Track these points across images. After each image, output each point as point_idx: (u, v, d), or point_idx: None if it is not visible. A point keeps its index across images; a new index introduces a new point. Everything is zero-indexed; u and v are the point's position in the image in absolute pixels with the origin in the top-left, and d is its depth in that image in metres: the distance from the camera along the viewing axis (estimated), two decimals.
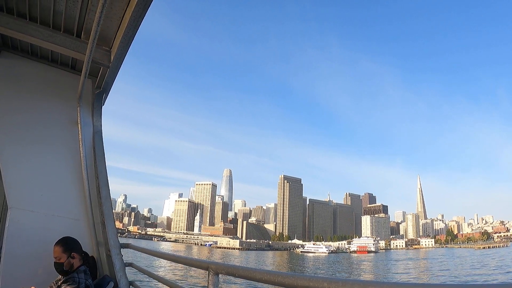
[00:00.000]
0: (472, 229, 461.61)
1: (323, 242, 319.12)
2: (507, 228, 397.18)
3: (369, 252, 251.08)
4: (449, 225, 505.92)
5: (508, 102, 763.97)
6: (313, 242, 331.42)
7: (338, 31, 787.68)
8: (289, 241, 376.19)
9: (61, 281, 4.96)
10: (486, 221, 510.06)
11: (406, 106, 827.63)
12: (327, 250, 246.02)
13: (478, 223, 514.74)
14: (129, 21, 4.90)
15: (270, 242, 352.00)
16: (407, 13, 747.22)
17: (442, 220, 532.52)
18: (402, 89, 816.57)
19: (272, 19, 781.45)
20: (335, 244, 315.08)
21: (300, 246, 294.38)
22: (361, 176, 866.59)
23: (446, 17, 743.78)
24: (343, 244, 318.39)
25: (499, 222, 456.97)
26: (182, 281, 44.90)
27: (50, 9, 5.42)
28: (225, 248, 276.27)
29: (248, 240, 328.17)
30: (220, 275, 3.35)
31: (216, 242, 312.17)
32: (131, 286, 6.31)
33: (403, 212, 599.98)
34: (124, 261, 6.41)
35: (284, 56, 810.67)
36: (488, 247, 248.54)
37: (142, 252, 6.48)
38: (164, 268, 57.96)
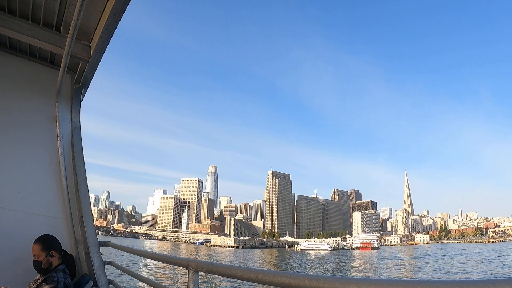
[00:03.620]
0: (458, 226, 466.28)
1: (324, 240, 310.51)
2: (496, 224, 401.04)
3: (372, 248, 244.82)
4: (435, 221, 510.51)
5: (491, 101, 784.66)
6: (314, 239, 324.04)
7: (323, 32, 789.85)
8: (280, 238, 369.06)
9: (39, 280, 4.87)
10: (470, 218, 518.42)
11: (390, 105, 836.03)
12: (329, 247, 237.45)
13: (462, 220, 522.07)
14: (110, 15, 4.81)
15: (264, 240, 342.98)
16: (391, 14, 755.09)
17: (429, 217, 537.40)
18: (386, 89, 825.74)
19: (259, 20, 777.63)
20: (328, 241, 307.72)
21: (297, 243, 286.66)
22: (346, 174, 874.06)
23: (430, 18, 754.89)
24: (336, 240, 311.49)
25: (483, 218, 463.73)
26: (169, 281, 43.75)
27: (29, 2, 5.32)
28: (219, 246, 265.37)
29: (242, 238, 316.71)
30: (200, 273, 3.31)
31: (209, 240, 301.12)
32: (110, 284, 6.18)
33: (389, 208, 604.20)
34: (103, 260, 6.31)
35: (270, 56, 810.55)
36: (498, 241, 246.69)
37: (121, 250, 6.33)
38: (146, 266, 55.61)
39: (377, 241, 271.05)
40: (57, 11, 5.41)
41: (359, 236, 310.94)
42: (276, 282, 2.26)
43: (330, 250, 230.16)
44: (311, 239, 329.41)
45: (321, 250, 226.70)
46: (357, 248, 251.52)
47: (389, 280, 1.74)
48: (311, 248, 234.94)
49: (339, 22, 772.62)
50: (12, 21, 5.47)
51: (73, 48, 5.00)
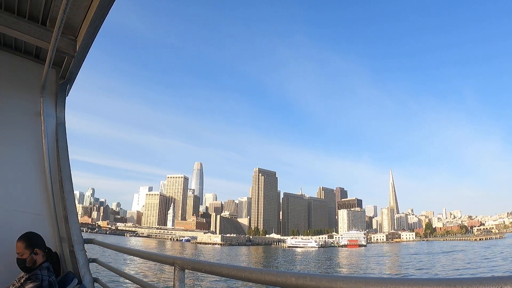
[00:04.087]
0: (443, 224, 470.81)
1: (312, 237, 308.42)
2: (481, 222, 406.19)
3: (360, 246, 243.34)
4: (420, 219, 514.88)
5: (474, 101, 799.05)
6: (300, 236, 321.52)
7: (308, 31, 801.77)
8: (267, 236, 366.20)
9: (24, 278, 4.77)
10: (454, 216, 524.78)
11: (374, 104, 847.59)
12: (316, 245, 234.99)
13: (446, 218, 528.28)
14: (96, 10, 4.75)
15: (251, 237, 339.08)
16: (377, 14, 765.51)
17: (414, 215, 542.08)
18: (371, 87, 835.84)
19: (244, 19, 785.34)
20: (315, 238, 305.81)
21: (283, 240, 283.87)
22: (331, 172, 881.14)
23: (415, 18, 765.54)
24: (323, 238, 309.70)
25: (467, 216, 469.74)
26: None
27: None
28: (205, 243, 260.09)
29: (228, 235, 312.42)
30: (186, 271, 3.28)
31: (195, 238, 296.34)
32: (95, 282, 6.11)
33: (374, 206, 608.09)
34: (88, 257, 6.24)
35: (256, 55, 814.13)
36: (486, 239, 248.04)
37: (106, 247, 6.24)
38: (131, 264, 55.37)
39: (364, 238, 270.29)
40: (44, 5, 5.23)
41: (346, 233, 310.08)
42: (262, 280, 2.22)
43: (318, 247, 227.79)
44: (297, 236, 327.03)
45: (309, 247, 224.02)
46: (345, 246, 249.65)
47: (377, 278, 1.70)
48: (299, 246, 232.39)
49: (324, 22, 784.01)
50: None
51: (59, 43, 4.89)
